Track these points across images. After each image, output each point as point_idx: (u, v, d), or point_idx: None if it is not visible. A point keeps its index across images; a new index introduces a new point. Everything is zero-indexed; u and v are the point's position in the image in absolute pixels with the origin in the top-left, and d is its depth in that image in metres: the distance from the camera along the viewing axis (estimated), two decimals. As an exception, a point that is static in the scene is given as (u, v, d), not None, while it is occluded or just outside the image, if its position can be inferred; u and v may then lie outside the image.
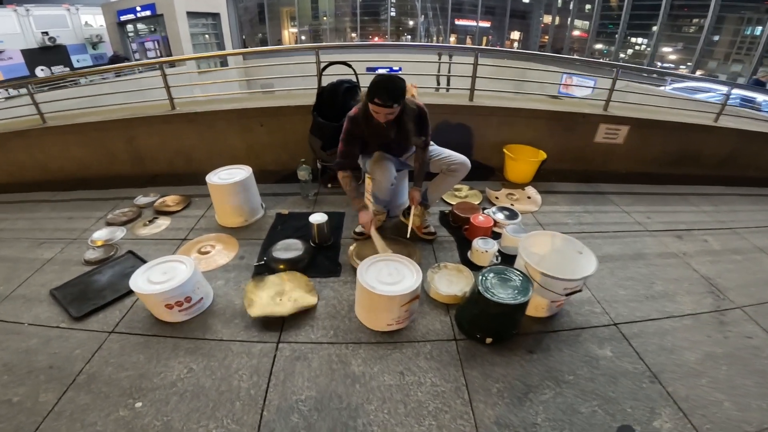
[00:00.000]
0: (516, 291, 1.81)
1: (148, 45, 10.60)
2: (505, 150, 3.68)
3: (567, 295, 1.89)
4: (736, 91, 6.02)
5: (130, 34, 13.21)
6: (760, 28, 21.61)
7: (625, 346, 1.93)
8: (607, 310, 2.14)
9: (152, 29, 10.18)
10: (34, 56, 12.39)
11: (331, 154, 3.21)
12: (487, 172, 3.87)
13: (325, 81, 3.36)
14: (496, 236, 2.70)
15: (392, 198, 2.86)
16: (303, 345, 1.89)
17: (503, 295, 1.78)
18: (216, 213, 3.00)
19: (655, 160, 4.11)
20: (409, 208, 2.71)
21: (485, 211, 2.86)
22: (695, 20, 23.19)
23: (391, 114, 2.13)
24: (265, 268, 2.41)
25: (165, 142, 3.86)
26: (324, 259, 2.52)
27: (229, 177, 2.83)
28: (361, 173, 3.03)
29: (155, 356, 1.83)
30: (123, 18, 11.53)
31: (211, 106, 3.88)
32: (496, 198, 3.38)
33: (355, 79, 3.30)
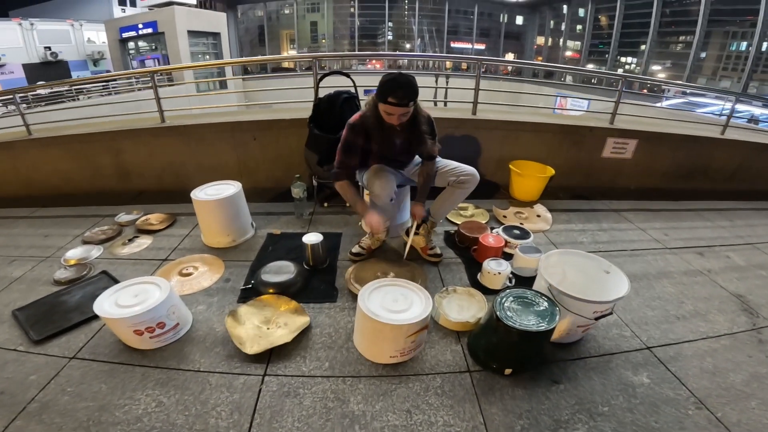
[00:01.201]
0: (540, 316, 1.59)
1: (149, 63, 10.55)
2: (511, 166, 3.51)
3: (596, 319, 1.68)
4: (741, 108, 6.00)
5: (131, 52, 13.10)
6: (744, 43, 22.28)
7: (663, 371, 1.75)
8: (638, 333, 1.98)
9: (153, 47, 10.15)
10: (35, 71, 12.27)
11: (328, 169, 3.02)
12: (492, 189, 3.70)
13: (323, 93, 3.20)
14: (507, 257, 2.48)
15: (393, 215, 2.65)
16: (293, 378, 1.65)
17: (527, 321, 1.56)
18: (202, 232, 2.80)
19: (665, 174, 4.01)
20: (417, 227, 2.49)
21: (494, 231, 2.65)
22: (683, 37, 23.98)
23: (405, 115, 1.99)
24: (253, 292, 2.17)
25: (153, 157, 3.67)
26: (319, 282, 2.29)
27: (216, 193, 2.64)
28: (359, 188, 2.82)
29: (120, 386, 1.60)
30: (125, 35, 11.49)
31: (202, 119, 3.70)
32: (504, 217, 3.18)
33: (353, 91, 3.14)
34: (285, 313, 1.98)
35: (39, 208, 3.48)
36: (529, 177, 3.47)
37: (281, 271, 2.26)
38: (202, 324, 1.96)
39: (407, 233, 2.61)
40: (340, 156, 2.20)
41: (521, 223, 3.03)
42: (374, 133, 2.12)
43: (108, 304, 1.73)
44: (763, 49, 21.02)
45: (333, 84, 3.23)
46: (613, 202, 3.60)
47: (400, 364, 1.71)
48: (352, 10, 27.61)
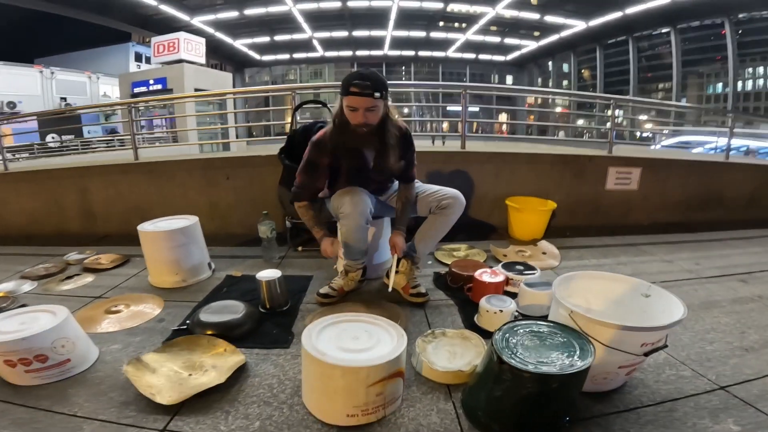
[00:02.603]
0: (565, 352, 1.12)
1: (156, 122, 10.65)
2: (508, 202, 3.20)
3: (646, 354, 1.22)
4: (736, 142, 5.99)
5: (141, 109, 13.25)
6: (720, 84, 23.32)
7: (753, 413, 1.34)
8: (701, 371, 1.58)
9: (162, 105, 10.32)
10: (47, 121, 12.28)
11: None
12: (487, 230, 3.33)
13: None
14: (510, 297, 2.01)
15: (370, 251, 2.24)
16: (204, 440, 1.17)
17: (546, 360, 1.09)
18: (148, 270, 2.44)
19: (678, 205, 3.78)
20: (397, 262, 2.08)
21: (493, 268, 2.21)
22: (662, 84, 25.20)
23: (372, 111, 1.75)
24: (187, 335, 1.70)
25: (120, 197, 3.48)
26: (272, 326, 1.83)
27: (167, 226, 2.38)
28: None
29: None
30: (136, 90, 11.55)
31: (173, 156, 3.48)
32: (504, 256, 2.76)
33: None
34: (215, 356, 1.53)
35: None
36: (529, 211, 3.15)
37: (226, 310, 1.81)
38: (106, 365, 1.59)
39: (387, 274, 2.18)
40: (301, 177, 1.96)
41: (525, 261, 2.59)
42: (340, 145, 1.86)
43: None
44: (739, 88, 21.99)
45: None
46: (627, 237, 3.31)
47: (364, 427, 1.20)
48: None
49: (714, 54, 22.38)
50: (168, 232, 2.29)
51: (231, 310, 1.82)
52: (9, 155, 3.82)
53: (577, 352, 1.11)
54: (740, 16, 19.75)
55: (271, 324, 1.84)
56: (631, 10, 19.03)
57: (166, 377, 1.40)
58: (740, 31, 20.76)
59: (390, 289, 2.01)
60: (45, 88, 17.12)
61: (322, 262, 2.62)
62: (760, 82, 22.52)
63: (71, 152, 9.65)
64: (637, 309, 1.36)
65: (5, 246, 3.33)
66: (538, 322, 1.26)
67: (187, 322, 1.80)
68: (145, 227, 2.35)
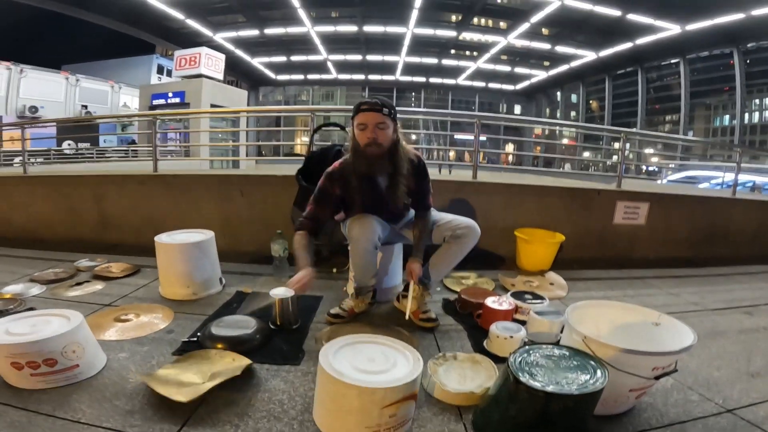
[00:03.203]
0: (580, 374, 1.15)
1: (171, 135, 10.78)
2: (516, 233, 3.22)
3: (657, 378, 1.27)
4: (742, 177, 6.04)
5: (158, 120, 13.31)
6: (727, 117, 23.25)
7: None
8: (708, 395, 1.64)
9: (178, 119, 10.45)
10: (65, 128, 12.37)
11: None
12: (496, 261, 3.33)
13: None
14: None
15: (381, 274, 2.27)
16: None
17: (562, 381, 1.11)
18: (160, 281, 2.46)
19: (684, 240, 3.79)
20: (406, 287, 2.12)
21: (502, 297, 2.24)
22: (669, 116, 25.15)
23: (381, 128, 1.83)
24: (196, 346, 1.72)
25: (135, 206, 3.55)
26: (282, 343, 1.84)
27: (183, 239, 2.42)
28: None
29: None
30: (155, 102, 11.73)
31: (191, 170, 3.56)
32: (512, 285, 2.78)
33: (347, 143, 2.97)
34: (220, 363, 1.56)
35: (6, 248, 3.38)
36: (538, 243, 3.17)
37: (237, 325, 1.83)
38: (113, 372, 1.58)
39: (398, 299, 2.23)
40: (311, 207, 2.01)
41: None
42: (356, 176, 1.93)
43: (-5, 329, 1.42)
44: (746, 120, 21.94)
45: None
46: (633, 271, 3.33)
47: (375, 450, 1.20)
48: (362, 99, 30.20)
49: (722, 85, 22.51)
50: (184, 245, 2.34)
51: (242, 325, 1.84)
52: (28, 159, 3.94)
53: (591, 374, 1.14)
54: (749, 45, 19.91)
55: (281, 341, 1.85)
56: (641, 41, 19.25)
57: (180, 384, 1.41)
58: (748, 61, 20.92)
59: (407, 317, 2.01)
60: (68, 94, 17.39)
61: (331, 283, 2.65)
62: (767, 114, 22.62)
63: (86, 160, 9.85)
64: (646, 336, 1.39)
65: (16, 248, 3.38)
66: (552, 347, 1.28)
67: (198, 334, 1.82)
68: (162, 239, 2.39)
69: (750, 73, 20.92)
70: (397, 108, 1.93)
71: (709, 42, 19.13)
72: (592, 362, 1.20)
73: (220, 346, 1.68)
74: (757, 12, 14.30)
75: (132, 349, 1.76)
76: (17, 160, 7.87)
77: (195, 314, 2.12)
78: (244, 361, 1.53)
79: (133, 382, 1.49)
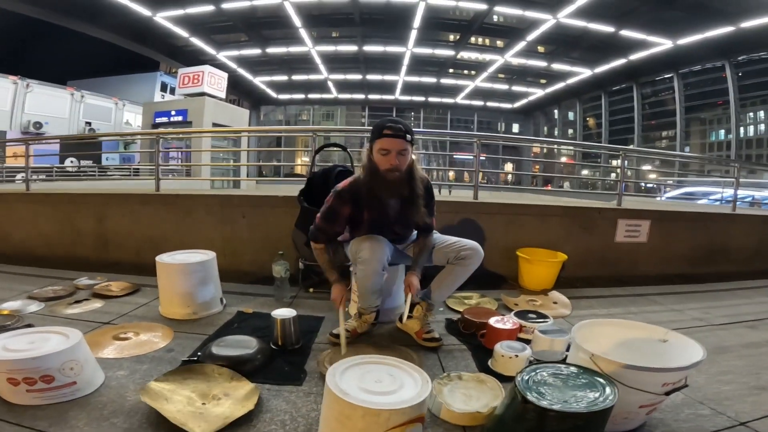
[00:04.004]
0: (589, 392, 1.13)
1: (173, 154, 10.76)
2: (518, 253, 3.22)
3: (667, 393, 1.27)
4: (741, 192, 6.09)
5: (160, 138, 13.22)
6: (722, 131, 23.26)
7: None
8: (720, 409, 1.63)
9: (180, 137, 10.45)
10: (68, 144, 12.29)
11: None
12: (498, 280, 3.33)
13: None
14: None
15: (385, 295, 2.26)
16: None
17: (572, 399, 1.10)
18: (160, 301, 2.45)
19: (685, 257, 3.80)
20: (411, 308, 2.08)
21: (506, 316, 2.23)
22: (665, 132, 25.24)
23: (403, 154, 1.83)
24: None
25: (136, 226, 3.55)
26: (284, 363, 1.83)
27: (184, 259, 2.44)
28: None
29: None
30: (158, 120, 11.69)
31: (193, 190, 3.57)
32: (515, 304, 2.77)
33: (350, 166, 2.98)
34: (224, 385, 1.53)
35: (4, 265, 3.40)
36: (540, 263, 3.17)
37: (239, 345, 1.82)
38: (111, 390, 1.57)
39: (400, 319, 2.21)
40: (320, 221, 2.00)
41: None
42: (366, 197, 1.92)
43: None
44: (741, 134, 21.97)
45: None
46: (636, 288, 3.33)
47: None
48: (363, 120, 30.29)
49: (716, 98, 22.59)
50: (186, 264, 2.35)
51: (244, 345, 1.82)
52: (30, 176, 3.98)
53: (601, 392, 1.13)
54: (740, 58, 20.02)
55: (282, 361, 1.84)
56: (635, 56, 19.54)
57: (182, 405, 1.40)
58: (740, 74, 21.02)
59: (403, 320, 2.06)
60: (72, 111, 17.41)
61: (333, 304, 2.64)
62: (762, 127, 22.68)
63: (88, 178, 9.88)
64: (653, 353, 1.38)
65: (15, 265, 3.37)
66: (559, 365, 1.27)
67: (199, 353, 1.80)
68: (163, 258, 2.40)
69: (742, 86, 21.05)
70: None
71: (701, 56, 19.33)
72: (601, 379, 1.19)
73: (221, 365, 1.65)
74: (747, 24, 14.52)
75: (131, 368, 1.75)
76: (20, 176, 7.90)
77: (195, 334, 2.11)
78: (247, 386, 1.51)
79: (131, 401, 1.48)
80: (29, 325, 2.09)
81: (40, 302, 2.52)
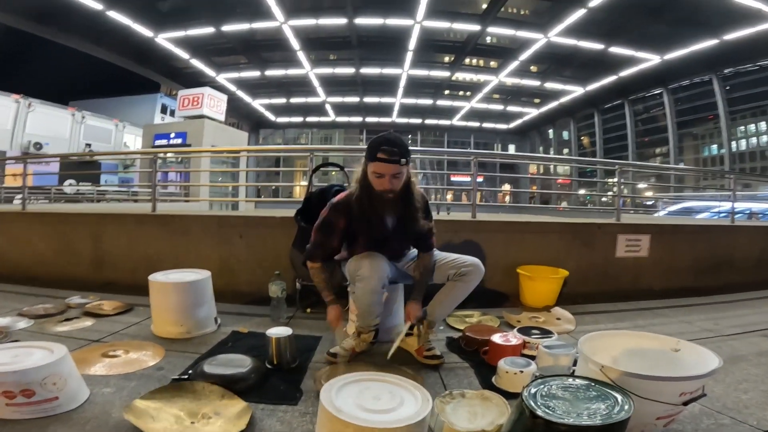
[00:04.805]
0: (602, 404, 1.08)
1: (171, 176, 10.68)
2: (519, 270, 3.18)
3: (685, 403, 1.23)
4: (739, 206, 6.13)
5: (159, 160, 13.04)
6: (715, 146, 23.29)
7: None
8: (740, 418, 1.59)
9: (178, 159, 10.42)
10: (67, 166, 12.19)
11: None
12: (500, 298, 3.27)
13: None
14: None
15: (383, 314, 2.20)
16: None
17: (584, 413, 1.05)
18: (152, 320, 2.40)
19: (689, 270, 3.78)
20: (411, 327, 2.05)
21: (509, 333, 2.18)
22: (659, 149, 25.37)
23: (397, 177, 1.82)
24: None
25: (132, 247, 3.51)
26: (279, 382, 1.76)
27: (178, 278, 2.42)
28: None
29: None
30: (157, 142, 11.62)
31: (190, 211, 3.54)
32: (518, 321, 2.72)
33: (346, 185, 2.96)
34: (214, 403, 1.47)
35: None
36: (541, 279, 3.13)
37: (232, 363, 1.75)
38: (95, 406, 1.53)
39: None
40: (316, 235, 1.98)
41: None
42: (362, 211, 1.89)
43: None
44: (734, 148, 22.03)
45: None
46: (641, 302, 3.29)
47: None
48: (361, 143, 30.45)
49: (706, 113, 22.66)
50: (179, 283, 2.32)
51: (237, 363, 1.76)
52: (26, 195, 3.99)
53: (615, 404, 1.08)
54: (726, 71, 20.06)
55: (278, 380, 1.77)
56: (624, 73, 19.82)
57: (169, 423, 1.34)
58: (728, 87, 21.04)
59: (389, 356, 1.94)
60: (73, 131, 17.33)
61: (329, 325, 2.59)
62: (753, 140, 22.81)
63: (86, 200, 9.83)
64: (667, 363, 1.36)
65: (7, 284, 3.35)
66: (567, 377, 1.21)
67: (190, 371, 1.74)
68: (156, 277, 2.37)
69: (731, 100, 21.12)
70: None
71: (688, 70, 19.49)
72: (614, 391, 1.13)
73: (212, 384, 1.59)
74: (731, 37, 14.77)
75: (118, 384, 1.70)
76: (18, 197, 7.87)
77: (188, 352, 2.05)
78: (239, 404, 1.45)
79: (115, 417, 1.43)
80: (16, 341, 2.02)
81: (30, 319, 2.49)
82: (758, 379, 1.96)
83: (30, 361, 1.47)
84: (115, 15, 13.46)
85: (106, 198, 10.68)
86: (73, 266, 3.57)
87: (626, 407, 1.06)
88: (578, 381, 1.18)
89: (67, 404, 1.50)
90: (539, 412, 1.03)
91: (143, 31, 14.96)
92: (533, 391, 1.14)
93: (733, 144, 22.35)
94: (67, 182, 11.79)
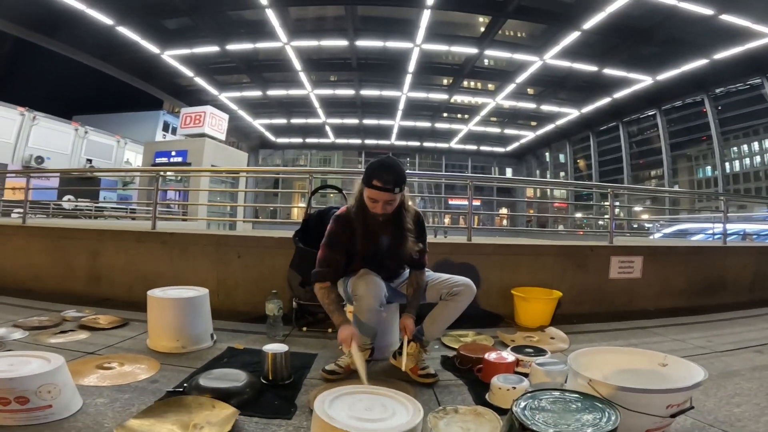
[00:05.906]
0: (590, 416, 1.11)
1: (170, 194, 10.60)
2: (513, 291, 3.21)
3: (673, 416, 1.26)
4: (732, 227, 6.19)
5: (159, 178, 12.82)
6: (709, 168, 23.36)
7: None
8: (732, 431, 1.60)
9: (178, 178, 10.41)
10: (67, 182, 12.07)
11: (311, 290, 2.68)
12: (494, 319, 3.29)
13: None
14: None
15: (379, 332, 2.22)
16: None
17: (569, 424, 1.08)
18: (148, 334, 2.41)
19: (683, 291, 3.82)
20: (402, 345, 2.07)
21: (503, 351, 2.20)
22: (654, 171, 25.47)
23: (390, 204, 1.88)
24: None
25: (130, 264, 3.52)
26: (274, 397, 1.77)
27: (176, 294, 2.46)
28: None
29: None
30: (158, 160, 11.56)
31: (189, 229, 3.57)
32: (512, 341, 2.73)
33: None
34: (201, 412, 1.49)
35: None
36: (535, 300, 3.17)
37: (227, 378, 1.77)
38: (88, 416, 1.54)
39: (394, 356, 2.17)
40: (325, 251, 2.02)
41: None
42: (357, 226, 1.96)
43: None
44: (727, 169, 22.08)
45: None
46: (635, 322, 3.31)
47: None
48: (359, 165, 30.66)
49: (699, 134, 22.91)
50: (176, 299, 2.35)
51: (232, 378, 1.78)
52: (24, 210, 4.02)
53: (602, 415, 1.11)
54: (717, 90, 20.29)
55: (272, 395, 1.78)
56: (618, 94, 20.20)
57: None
58: (719, 107, 21.28)
59: (403, 369, 1.99)
60: (75, 147, 17.24)
61: (326, 342, 2.60)
62: (747, 161, 23.03)
63: (84, 216, 9.83)
64: (654, 377, 1.39)
65: (2, 296, 3.34)
66: (556, 392, 1.24)
67: (185, 385, 1.75)
68: (155, 293, 2.40)
69: (723, 120, 21.36)
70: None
71: (680, 90, 19.75)
72: (601, 404, 1.16)
73: (207, 397, 1.60)
74: (720, 56, 15.11)
75: (111, 396, 1.70)
76: (16, 211, 7.85)
77: (183, 367, 2.05)
78: (228, 410, 1.46)
79: (107, 427, 1.45)
80: (9, 350, 2.04)
81: (25, 330, 2.48)
82: (751, 393, 1.98)
83: (26, 369, 1.49)
84: (124, 30, 13.77)
85: (104, 215, 10.68)
86: (70, 281, 3.58)
87: (613, 418, 1.09)
88: (567, 394, 1.21)
89: (60, 413, 1.51)
90: (527, 424, 1.06)
91: (150, 47, 15.26)
92: (523, 404, 1.16)
93: (727, 165, 22.55)
94: (66, 198, 11.78)
